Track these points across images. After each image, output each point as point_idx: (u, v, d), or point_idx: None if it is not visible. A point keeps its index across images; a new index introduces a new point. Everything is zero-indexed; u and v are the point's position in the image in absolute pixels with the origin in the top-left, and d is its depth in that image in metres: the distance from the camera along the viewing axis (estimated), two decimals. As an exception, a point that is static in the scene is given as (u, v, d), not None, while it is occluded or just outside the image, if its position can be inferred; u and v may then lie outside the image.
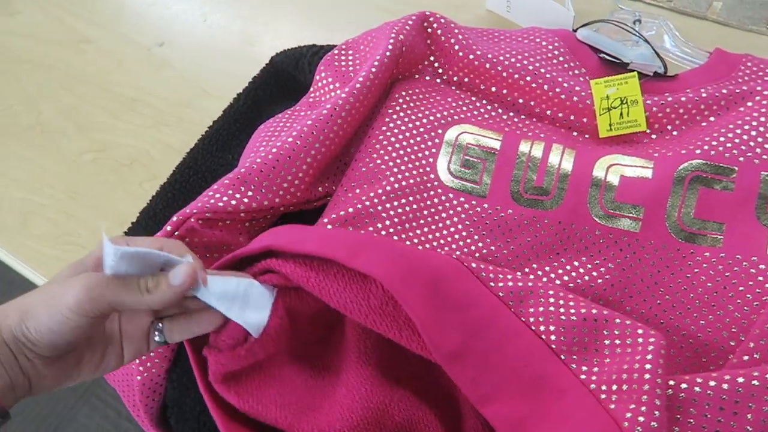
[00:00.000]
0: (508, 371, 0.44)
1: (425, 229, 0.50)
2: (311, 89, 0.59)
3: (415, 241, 0.50)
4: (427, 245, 0.50)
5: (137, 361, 0.46)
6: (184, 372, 0.47)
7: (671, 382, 0.39)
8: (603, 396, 0.40)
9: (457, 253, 0.49)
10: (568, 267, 0.47)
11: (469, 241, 0.50)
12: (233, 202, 0.48)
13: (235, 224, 0.49)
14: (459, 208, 0.50)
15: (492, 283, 0.47)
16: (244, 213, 0.48)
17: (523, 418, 0.42)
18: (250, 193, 0.48)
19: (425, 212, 0.51)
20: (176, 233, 0.46)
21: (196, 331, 0.40)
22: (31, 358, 0.35)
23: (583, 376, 0.42)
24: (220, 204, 0.48)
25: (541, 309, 0.45)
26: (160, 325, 0.40)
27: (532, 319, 0.45)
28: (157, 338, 0.40)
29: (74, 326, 0.34)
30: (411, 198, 0.51)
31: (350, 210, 0.50)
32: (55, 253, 0.63)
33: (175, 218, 0.47)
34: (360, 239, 0.47)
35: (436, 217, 0.51)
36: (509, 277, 0.47)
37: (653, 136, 0.50)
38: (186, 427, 0.47)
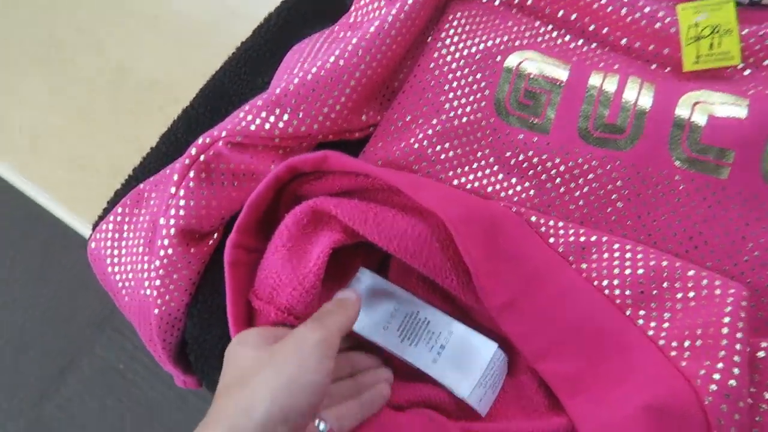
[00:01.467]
0: (566, 327, 0.39)
1: (479, 174, 0.45)
2: (352, 8, 0.53)
3: (468, 187, 0.45)
4: (481, 192, 0.45)
5: (155, 293, 0.42)
6: (205, 307, 0.43)
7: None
8: (673, 353, 0.36)
9: (515, 199, 0.44)
10: (638, 216, 0.42)
11: (527, 184, 0.45)
12: (267, 126, 0.43)
13: (267, 151, 0.44)
14: (518, 148, 0.44)
15: (552, 239, 0.42)
16: (278, 138, 0.43)
17: (582, 375, 0.38)
18: (285, 117, 0.43)
19: (479, 154, 0.46)
20: (202, 157, 0.42)
21: (366, 414, 0.39)
22: None
23: (650, 332, 0.38)
24: (253, 127, 0.43)
25: (604, 263, 0.41)
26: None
27: (594, 274, 0.40)
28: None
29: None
30: (465, 139, 0.45)
31: (397, 153, 0.45)
32: (69, 177, 0.59)
33: (200, 140, 0.42)
34: (416, 179, 0.43)
35: (491, 160, 0.45)
36: (571, 231, 0.42)
37: (747, 72, 0.43)
38: (206, 364, 0.44)
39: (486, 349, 0.40)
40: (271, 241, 0.39)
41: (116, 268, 0.47)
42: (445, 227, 0.39)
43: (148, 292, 0.44)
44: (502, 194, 0.44)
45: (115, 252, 0.47)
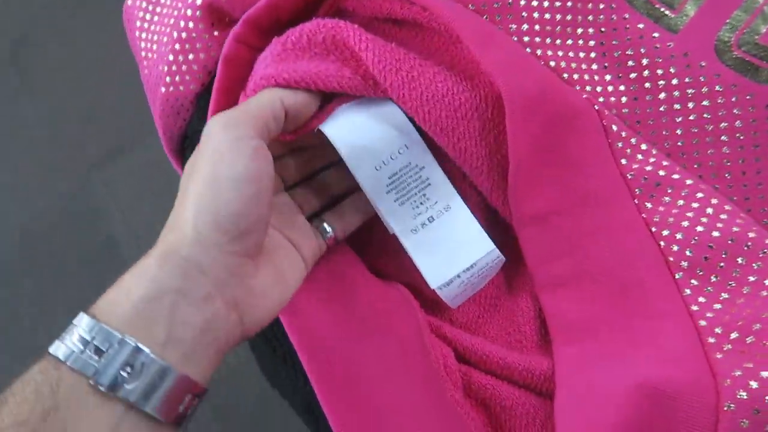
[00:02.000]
0: (597, 266, 0.32)
1: (570, 54, 0.36)
2: None
3: (552, 64, 0.36)
4: (564, 75, 0.36)
5: (165, 69, 0.38)
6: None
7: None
8: (711, 339, 0.29)
9: (601, 99, 0.35)
10: (743, 172, 0.33)
11: (623, 88, 0.35)
12: None
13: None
14: (630, 39, 0.35)
15: (625, 160, 0.33)
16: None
17: (590, 324, 0.31)
18: None
19: (580, 30, 0.36)
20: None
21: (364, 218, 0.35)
22: (226, 262, 0.26)
23: (694, 307, 0.30)
24: None
25: (675, 210, 0.32)
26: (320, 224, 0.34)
27: (656, 218, 0.32)
28: (324, 233, 0.34)
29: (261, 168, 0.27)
30: (571, 4, 0.36)
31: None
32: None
33: None
34: (489, 30, 0.34)
35: (592, 43, 0.36)
36: (652, 159, 0.33)
37: None
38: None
39: (480, 244, 0.32)
40: (273, 40, 0.32)
41: (143, 35, 0.43)
42: (499, 103, 0.31)
43: (164, 69, 0.39)
44: (588, 87, 0.35)
45: (147, 16, 0.43)
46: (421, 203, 0.33)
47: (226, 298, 0.26)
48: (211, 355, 0.26)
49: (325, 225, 0.34)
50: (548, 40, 0.35)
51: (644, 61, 0.34)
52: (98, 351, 0.23)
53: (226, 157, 0.26)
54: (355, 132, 0.31)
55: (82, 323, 0.23)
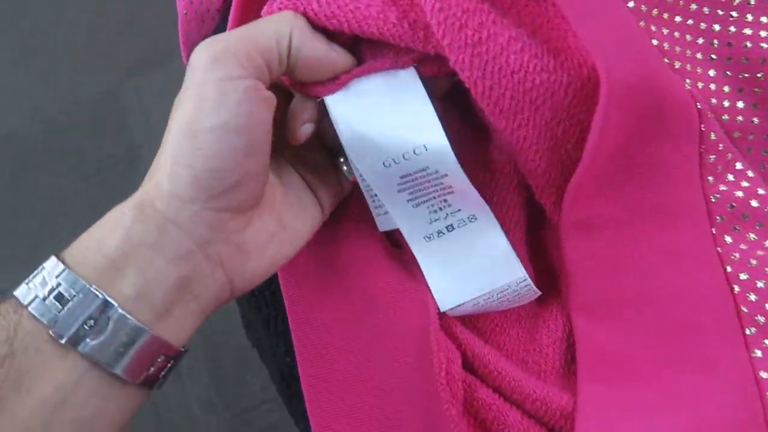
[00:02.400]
0: (652, 293, 0.27)
1: (675, 34, 0.30)
2: None
3: (654, 42, 0.29)
4: (677, 63, 0.29)
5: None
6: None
7: None
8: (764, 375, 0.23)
9: (713, 101, 0.29)
10: None
11: (727, 89, 0.29)
12: None
13: None
14: (749, 29, 0.28)
15: (711, 178, 0.28)
16: None
17: (632, 361, 0.26)
18: None
19: (693, 6, 0.30)
20: None
21: None
22: (207, 218, 0.23)
23: (764, 374, 0.24)
24: None
25: (760, 253, 0.27)
26: (342, 159, 0.29)
27: (735, 256, 0.27)
28: (346, 171, 0.29)
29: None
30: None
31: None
32: None
33: None
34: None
35: (702, 25, 0.29)
36: (745, 183, 0.29)
37: None
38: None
39: (507, 267, 0.27)
40: None
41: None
42: (582, 90, 0.25)
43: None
44: (692, 81, 0.29)
45: None
46: (441, 208, 0.27)
47: (209, 255, 0.23)
48: (189, 315, 0.23)
49: (344, 164, 0.29)
50: (655, 12, 0.29)
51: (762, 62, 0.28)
52: (62, 299, 0.21)
53: (209, 101, 0.22)
54: (365, 117, 0.25)
55: (49, 266, 0.21)
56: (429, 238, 0.27)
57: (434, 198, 0.27)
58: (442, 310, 0.27)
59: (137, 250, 0.22)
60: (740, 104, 0.29)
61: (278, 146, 0.27)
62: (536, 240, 0.30)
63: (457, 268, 0.27)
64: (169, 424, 0.86)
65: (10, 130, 1.00)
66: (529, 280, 0.27)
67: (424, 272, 0.27)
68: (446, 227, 0.27)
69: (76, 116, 0.99)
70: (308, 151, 0.28)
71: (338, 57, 0.25)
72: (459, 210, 0.27)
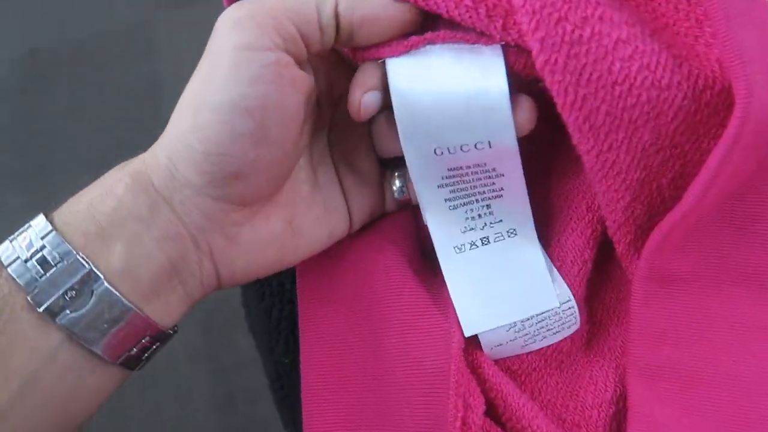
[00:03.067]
0: (727, 371, 0.22)
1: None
2: None
3: None
4: None
5: None
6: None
7: None
8: None
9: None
10: None
11: None
12: None
13: None
14: None
15: None
16: None
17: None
18: None
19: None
20: None
21: None
22: (201, 205, 0.21)
23: None
24: None
25: None
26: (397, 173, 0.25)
27: None
28: (396, 189, 0.25)
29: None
30: None
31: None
32: None
33: None
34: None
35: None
36: None
37: None
38: None
39: (544, 295, 0.23)
40: None
41: None
42: (700, 111, 0.20)
43: None
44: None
45: None
46: (480, 216, 0.23)
47: (198, 243, 0.21)
48: (176, 300, 0.21)
49: (397, 178, 0.25)
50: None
51: None
52: (45, 263, 0.19)
53: (220, 72, 0.19)
54: (430, 91, 0.21)
55: (36, 225, 0.20)
56: (459, 249, 0.23)
57: (477, 201, 0.23)
58: (466, 334, 0.23)
59: (127, 222, 0.20)
60: None
61: (326, 137, 0.24)
62: (597, 280, 0.26)
63: (488, 287, 0.24)
64: (151, 376, 0.84)
65: (35, 47, 0.97)
66: (573, 303, 0.23)
67: (449, 288, 0.24)
68: (481, 239, 0.24)
69: (103, 43, 0.96)
70: (358, 153, 0.25)
71: (403, 12, 0.21)
72: (500, 221, 0.23)
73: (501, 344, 0.24)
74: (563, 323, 0.24)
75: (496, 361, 0.25)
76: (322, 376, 0.24)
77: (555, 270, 0.23)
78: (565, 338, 0.25)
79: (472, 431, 0.22)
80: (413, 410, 0.23)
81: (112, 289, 0.19)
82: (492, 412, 0.24)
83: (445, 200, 0.23)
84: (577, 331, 0.25)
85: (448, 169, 0.22)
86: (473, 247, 0.24)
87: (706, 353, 0.23)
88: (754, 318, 0.22)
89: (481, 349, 0.25)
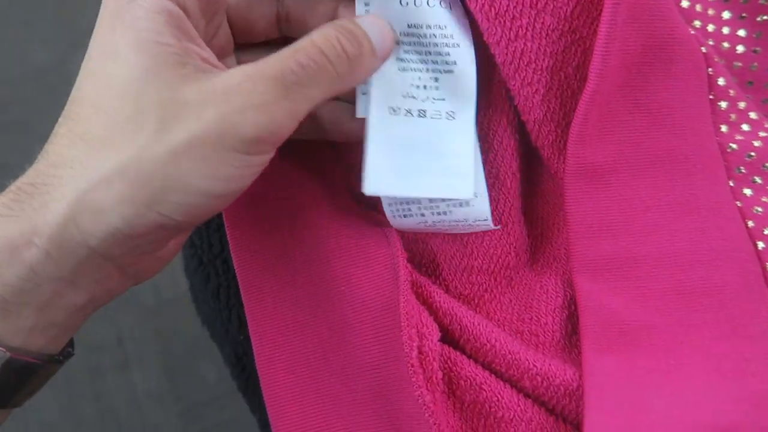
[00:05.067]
0: (665, 250, 0.24)
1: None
2: None
3: None
4: (685, 2, 0.26)
5: None
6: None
7: None
8: None
9: (710, 42, 0.26)
10: None
11: (742, 33, 0.26)
12: None
13: None
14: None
15: (725, 127, 0.27)
16: None
17: (647, 329, 0.23)
18: None
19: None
20: None
21: None
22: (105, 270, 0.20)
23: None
24: None
25: None
26: None
27: (758, 210, 0.25)
28: None
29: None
30: None
31: None
32: None
33: None
34: None
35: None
36: (763, 134, 0.27)
37: None
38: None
39: (462, 183, 0.22)
40: None
41: None
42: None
43: None
44: (698, 22, 0.26)
45: None
46: (425, 87, 0.22)
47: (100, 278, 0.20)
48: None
49: None
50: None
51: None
52: None
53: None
54: None
55: None
56: (394, 111, 0.22)
57: (427, 71, 0.23)
58: (366, 191, 0.22)
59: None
60: (743, 47, 0.26)
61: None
62: (532, 196, 0.26)
63: (408, 157, 0.22)
64: (114, 420, 0.80)
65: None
66: (487, 207, 0.23)
67: (368, 147, 0.22)
68: (419, 110, 0.23)
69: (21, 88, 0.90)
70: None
71: None
72: (443, 99, 0.23)
73: (405, 216, 0.24)
74: (473, 217, 0.24)
75: (447, 288, 0.25)
76: (273, 333, 0.24)
77: (481, 169, 0.24)
78: (510, 254, 0.25)
79: (429, 358, 0.22)
80: (368, 349, 0.23)
81: None
82: (449, 338, 0.24)
83: (397, 59, 0.22)
84: (521, 246, 0.25)
85: (408, 25, 0.22)
86: (408, 114, 0.23)
87: (640, 238, 0.23)
88: (676, 197, 0.24)
89: (431, 281, 0.25)
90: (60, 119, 0.19)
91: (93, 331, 0.80)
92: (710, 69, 0.25)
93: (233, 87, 0.18)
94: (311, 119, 0.23)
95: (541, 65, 0.23)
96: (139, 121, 0.18)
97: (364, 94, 0.23)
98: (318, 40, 0.19)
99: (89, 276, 0.19)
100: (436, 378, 0.22)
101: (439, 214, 0.24)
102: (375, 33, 0.21)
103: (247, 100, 0.18)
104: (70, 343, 0.21)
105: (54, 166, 0.18)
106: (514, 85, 0.23)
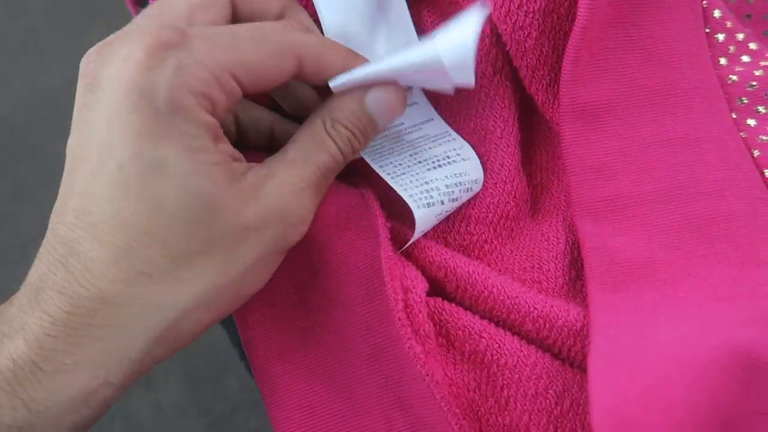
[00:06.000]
0: (667, 186, 0.23)
1: None
2: None
3: None
4: None
5: None
6: None
7: None
8: None
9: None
10: None
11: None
12: None
13: None
14: None
15: (724, 59, 0.26)
16: None
17: (653, 264, 0.22)
18: None
19: None
20: None
21: None
22: None
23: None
24: None
25: None
26: None
27: (763, 139, 0.23)
28: None
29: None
30: None
31: None
32: None
33: None
34: None
35: None
36: (764, 63, 0.25)
37: None
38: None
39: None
40: None
41: None
42: None
43: None
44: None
45: None
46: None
47: None
48: None
49: None
50: None
51: None
52: None
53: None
54: None
55: None
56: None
57: None
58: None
59: None
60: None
61: None
62: (529, 145, 0.26)
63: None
64: (140, 432, 0.80)
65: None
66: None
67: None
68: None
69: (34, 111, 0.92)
70: None
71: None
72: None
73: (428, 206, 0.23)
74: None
75: (445, 241, 0.25)
76: (259, 316, 0.23)
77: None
78: (510, 203, 0.24)
79: (416, 311, 0.21)
80: (357, 314, 0.22)
81: None
82: (445, 292, 0.23)
83: None
84: (521, 196, 0.25)
85: None
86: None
87: (641, 176, 0.23)
88: (677, 132, 0.23)
89: (425, 236, 0.24)
90: (80, 233, 0.17)
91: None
92: (704, 2, 0.25)
93: (285, 208, 0.19)
94: (267, 135, 0.24)
95: (533, 7, 0.22)
96: (209, 252, 0.17)
97: None
98: (336, 141, 0.20)
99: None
100: (425, 330, 0.21)
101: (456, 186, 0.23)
102: (382, 113, 0.21)
103: (298, 215, 0.19)
104: None
105: (112, 305, 0.17)
106: (505, 30, 0.22)
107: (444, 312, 0.22)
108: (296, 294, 0.23)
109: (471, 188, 0.24)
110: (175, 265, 0.17)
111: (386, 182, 0.22)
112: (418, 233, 0.22)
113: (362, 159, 0.23)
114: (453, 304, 0.23)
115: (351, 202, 0.23)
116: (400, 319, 0.20)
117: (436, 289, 0.23)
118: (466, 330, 0.22)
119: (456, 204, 0.24)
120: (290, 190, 0.19)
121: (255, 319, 0.23)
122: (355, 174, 0.25)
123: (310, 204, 0.20)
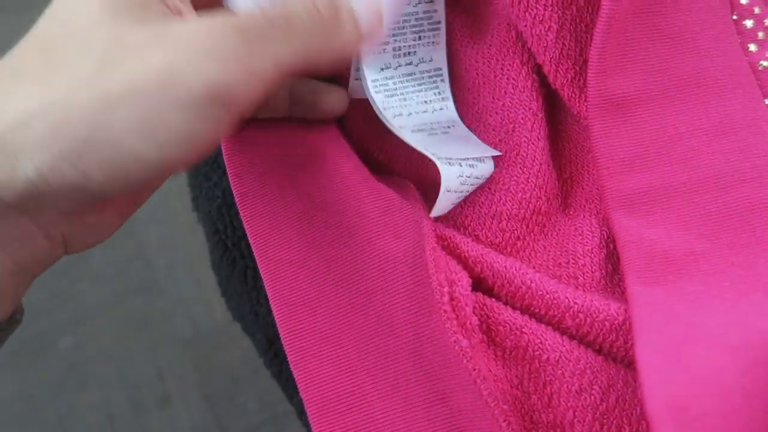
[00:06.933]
0: (701, 175, 0.22)
1: None
2: None
3: None
4: None
5: None
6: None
7: None
8: None
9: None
10: None
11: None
12: None
13: None
14: None
15: (754, 46, 0.26)
16: None
17: (693, 256, 0.21)
18: None
19: None
20: None
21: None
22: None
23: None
24: None
25: None
26: None
27: None
28: None
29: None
30: None
31: None
32: None
33: None
34: None
35: None
36: None
37: None
38: None
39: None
40: None
41: None
42: None
43: None
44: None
45: None
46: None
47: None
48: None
49: None
50: None
51: None
52: None
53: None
54: None
55: None
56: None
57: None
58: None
59: None
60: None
61: None
62: (557, 139, 0.25)
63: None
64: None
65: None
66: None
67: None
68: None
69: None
70: None
71: None
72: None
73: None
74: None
75: (476, 238, 0.24)
76: (295, 307, 0.23)
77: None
78: (541, 198, 0.24)
79: (462, 304, 0.21)
80: (401, 307, 0.22)
81: None
82: (483, 287, 0.23)
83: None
84: (551, 190, 0.24)
85: None
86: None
87: (676, 166, 0.22)
88: (710, 120, 0.22)
89: (458, 232, 0.24)
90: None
91: (133, 367, 0.81)
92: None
93: (187, 33, 0.15)
94: (289, 96, 0.23)
95: (551, 0, 0.22)
96: (80, 60, 0.15)
97: (356, 80, 0.23)
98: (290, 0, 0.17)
99: (5, 233, 0.17)
100: (471, 323, 0.21)
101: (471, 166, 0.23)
102: (359, 5, 0.19)
103: (201, 47, 0.15)
104: (19, 311, 0.19)
105: None
106: (524, 25, 0.22)
107: (485, 306, 0.22)
108: (332, 285, 0.23)
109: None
110: (43, 68, 0.16)
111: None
112: (443, 191, 0.22)
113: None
114: (493, 299, 0.22)
115: (392, 193, 0.23)
116: (445, 312, 0.20)
117: (474, 284, 0.23)
118: (507, 325, 0.21)
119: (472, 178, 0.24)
120: (201, 21, 0.16)
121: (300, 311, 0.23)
122: (390, 171, 0.24)
123: (227, 46, 0.16)
